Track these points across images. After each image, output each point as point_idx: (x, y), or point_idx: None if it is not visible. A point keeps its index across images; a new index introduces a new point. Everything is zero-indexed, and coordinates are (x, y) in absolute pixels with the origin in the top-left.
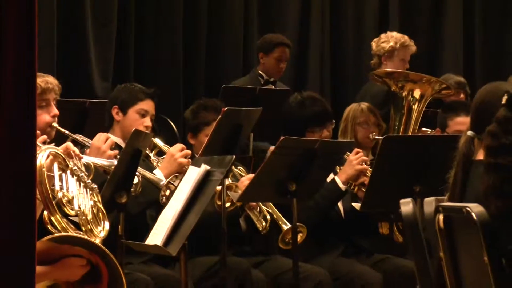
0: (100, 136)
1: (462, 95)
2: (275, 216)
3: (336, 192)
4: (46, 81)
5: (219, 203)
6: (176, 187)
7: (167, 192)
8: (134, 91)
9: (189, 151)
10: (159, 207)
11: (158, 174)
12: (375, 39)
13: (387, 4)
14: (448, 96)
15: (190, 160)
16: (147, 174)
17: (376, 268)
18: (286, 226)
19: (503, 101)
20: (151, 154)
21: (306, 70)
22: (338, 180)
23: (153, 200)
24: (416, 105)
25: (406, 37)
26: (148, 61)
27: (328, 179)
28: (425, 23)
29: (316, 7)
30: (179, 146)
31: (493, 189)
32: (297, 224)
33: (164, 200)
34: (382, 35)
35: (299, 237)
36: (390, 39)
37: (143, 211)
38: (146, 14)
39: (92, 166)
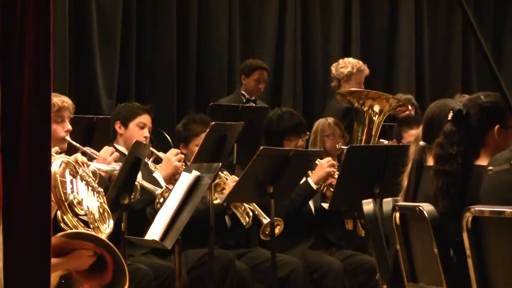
0: (107, 150)
1: (410, 107)
2: (256, 212)
3: (309, 191)
4: (62, 100)
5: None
6: (168, 195)
7: (161, 200)
8: (133, 108)
9: (182, 156)
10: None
11: (157, 176)
12: (334, 64)
13: (350, 32)
14: (403, 111)
15: (184, 163)
16: (145, 183)
17: (343, 262)
18: (266, 220)
19: (449, 117)
20: (149, 162)
21: (281, 89)
22: (310, 181)
23: (153, 199)
24: (376, 117)
25: (360, 62)
26: (146, 83)
27: (301, 182)
28: (382, 47)
29: (290, 36)
30: (174, 151)
31: (441, 191)
32: (275, 218)
33: (158, 206)
34: (340, 61)
35: (277, 230)
36: (348, 64)
37: (144, 208)
38: (144, 43)
39: (98, 172)
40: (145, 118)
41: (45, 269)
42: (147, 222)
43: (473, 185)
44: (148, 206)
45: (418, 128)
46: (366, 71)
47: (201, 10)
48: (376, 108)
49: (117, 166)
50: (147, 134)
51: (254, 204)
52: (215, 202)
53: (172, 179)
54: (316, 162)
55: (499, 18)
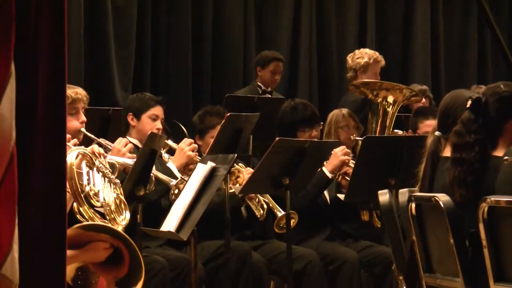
0: (121, 141)
1: (424, 100)
2: (271, 205)
3: (324, 180)
4: (76, 92)
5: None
6: (183, 187)
7: (176, 191)
8: (145, 99)
9: (196, 145)
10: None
11: (171, 166)
12: (350, 55)
13: (365, 24)
14: (416, 102)
15: (197, 153)
16: (160, 175)
17: (359, 254)
18: (280, 213)
19: (468, 105)
20: (163, 152)
21: (297, 81)
22: (325, 170)
23: (167, 188)
24: (390, 108)
25: (377, 53)
26: (162, 75)
27: None
28: (397, 39)
29: (305, 27)
30: (187, 141)
31: (458, 180)
32: (290, 211)
33: (173, 197)
34: (357, 51)
35: (292, 223)
36: (364, 55)
37: (159, 198)
38: (160, 35)
39: (117, 165)
40: (158, 110)
41: (61, 261)
42: (163, 214)
43: (490, 176)
44: (163, 196)
45: (434, 119)
46: (382, 62)
47: (216, 1)
48: (390, 99)
49: (130, 161)
50: (160, 126)
51: (268, 196)
52: (230, 191)
53: (186, 168)
54: (332, 152)
55: None
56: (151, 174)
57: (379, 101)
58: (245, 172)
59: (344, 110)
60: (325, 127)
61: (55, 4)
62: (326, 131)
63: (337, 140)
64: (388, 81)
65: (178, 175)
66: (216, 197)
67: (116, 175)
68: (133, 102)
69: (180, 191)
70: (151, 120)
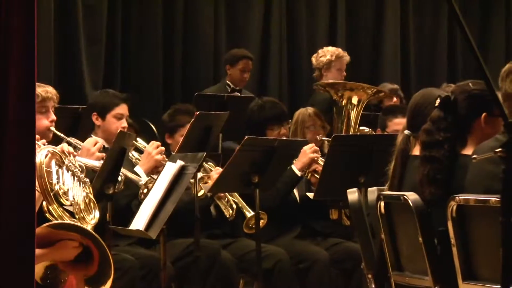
0: (90, 140)
1: (395, 99)
2: (240, 205)
3: (293, 178)
4: (46, 90)
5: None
6: (153, 186)
7: (145, 190)
8: (109, 98)
9: (163, 148)
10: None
11: (139, 171)
12: (314, 55)
13: (335, 24)
14: (383, 97)
15: (165, 155)
16: (129, 174)
17: (328, 251)
18: (249, 213)
19: (436, 104)
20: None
21: (267, 79)
22: (294, 168)
23: (137, 192)
24: (355, 110)
25: (340, 49)
26: (132, 73)
27: None
28: (368, 39)
29: (275, 26)
30: (154, 144)
31: (427, 177)
32: (259, 211)
33: (142, 197)
34: (319, 51)
35: (261, 223)
36: (327, 53)
37: (130, 202)
38: (130, 33)
39: (84, 167)
40: (122, 108)
41: (30, 259)
42: (132, 212)
43: (459, 175)
44: (133, 200)
45: (403, 117)
46: (346, 57)
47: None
48: (355, 99)
49: (97, 163)
50: (125, 124)
51: (237, 196)
52: (200, 194)
53: (154, 171)
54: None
55: (485, 10)
56: (120, 174)
57: (344, 103)
58: (214, 172)
59: (310, 109)
60: (291, 125)
61: (25, 2)
62: (293, 130)
63: (306, 139)
64: (352, 81)
65: (146, 178)
66: (186, 196)
67: (84, 173)
68: (97, 100)
69: (149, 190)
70: (116, 119)
